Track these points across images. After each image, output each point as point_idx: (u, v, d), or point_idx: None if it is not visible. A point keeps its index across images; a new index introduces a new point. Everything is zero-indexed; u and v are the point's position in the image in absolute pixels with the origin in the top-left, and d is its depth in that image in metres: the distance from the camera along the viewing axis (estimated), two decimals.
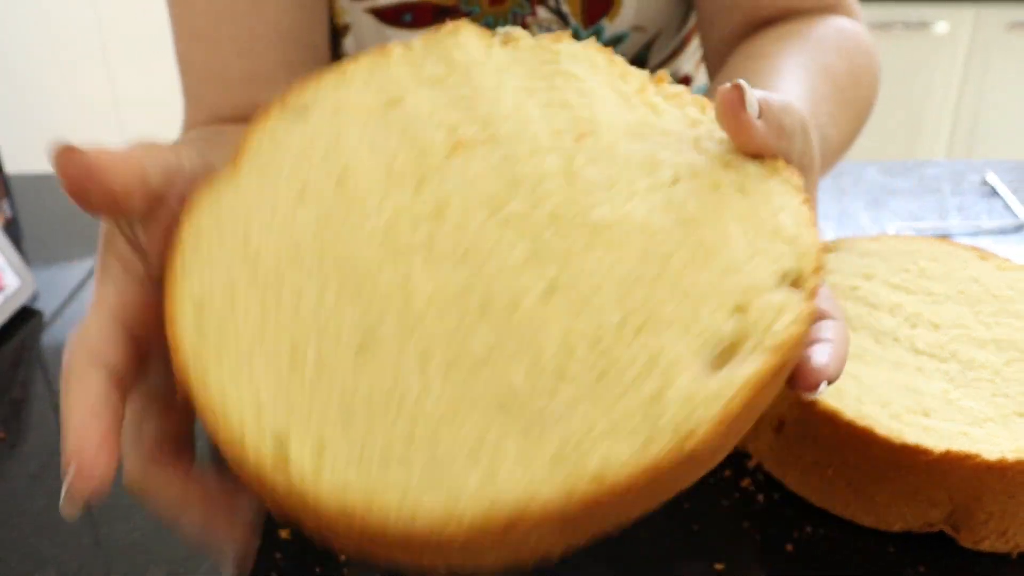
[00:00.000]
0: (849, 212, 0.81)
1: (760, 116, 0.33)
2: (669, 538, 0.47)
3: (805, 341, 0.31)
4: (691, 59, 0.82)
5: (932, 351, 0.52)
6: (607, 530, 0.30)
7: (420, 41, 0.39)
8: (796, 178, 0.34)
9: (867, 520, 0.48)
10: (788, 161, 0.35)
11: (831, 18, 0.59)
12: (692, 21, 0.75)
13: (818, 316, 0.32)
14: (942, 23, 2.01)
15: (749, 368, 0.29)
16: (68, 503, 0.29)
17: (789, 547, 0.47)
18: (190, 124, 0.62)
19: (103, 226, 0.35)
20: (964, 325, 0.54)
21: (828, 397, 0.48)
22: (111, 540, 0.49)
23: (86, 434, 0.29)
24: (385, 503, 0.28)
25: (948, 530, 0.47)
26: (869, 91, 0.58)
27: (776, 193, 0.33)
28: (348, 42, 0.69)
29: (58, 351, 0.66)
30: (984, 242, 0.76)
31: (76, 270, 0.76)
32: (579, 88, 0.37)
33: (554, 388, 0.29)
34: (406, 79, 0.37)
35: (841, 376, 0.49)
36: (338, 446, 0.29)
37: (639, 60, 0.72)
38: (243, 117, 0.59)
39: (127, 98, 1.57)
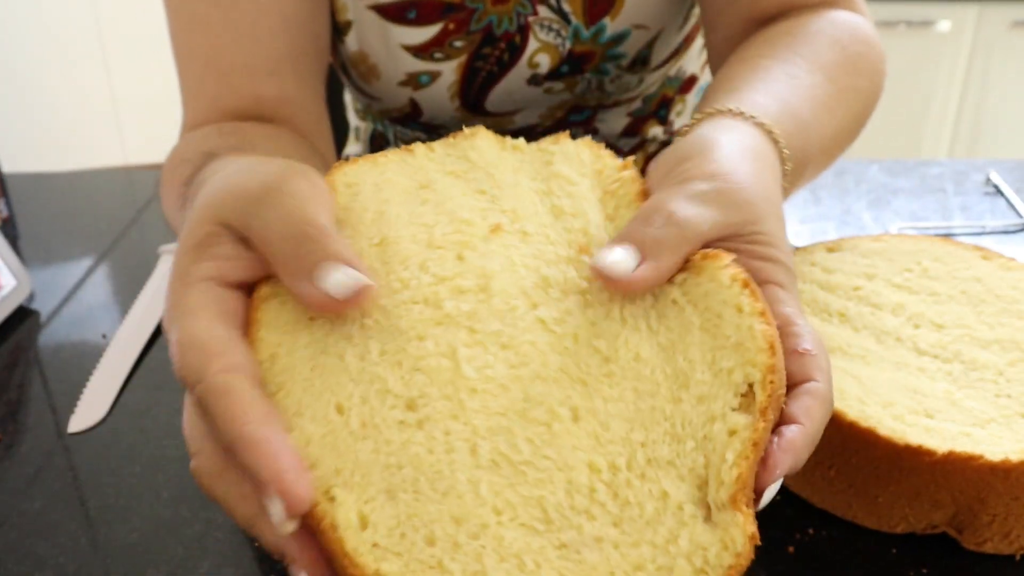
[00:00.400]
0: (852, 211, 0.81)
1: (641, 254, 0.35)
2: None
3: (756, 465, 0.32)
4: (696, 59, 0.81)
5: (935, 351, 0.51)
6: None
7: (440, 143, 0.42)
8: (723, 260, 0.35)
9: (869, 521, 0.48)
10: (706, 243, 0.36)
11: (829, 12, 0.59)
12: (694, 20, 0.75)
13: (777, 420, 0.33)
14: (945, 22, 2.01)
15: (736, 528, 0.31)
16: (285, 526, 0.30)
17: (791, 549, 0.47)
18: (194, 121, 0.60)
19: (198, 231, 0.36)
20: (967, 325, 0.53)
21: (847, 408, 0.47)
22: (109, 542, 0.48)
23: (278, 452, 0.30)
24: None
25: (951, 532, 0.47)
26: (870, 79, 0.58)
27: (712, 294, 0.35)
28: (350, 39, 0.68)
29: (55, 352, 0.66)
30: (987, 242, 0.75)
31: (73, 270, 0.76)
32: (571, 193, 0.39)
33: (583, 519, 0.32)
34: (432, 170, 0.40)
35: (843, 376, 0.49)
36: (382, 518, 0.31)
37: (641, 59, 0.71)
38: (248, 110, 0.59)
39: (125, 97, 1.57)
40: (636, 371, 0.34)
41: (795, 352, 0.35)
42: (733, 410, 0.33)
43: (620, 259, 0.35)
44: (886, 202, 0.82)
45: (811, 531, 0.48)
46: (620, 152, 0.80)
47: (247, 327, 0.35)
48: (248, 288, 0.36)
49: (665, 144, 0.82)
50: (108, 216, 0.85)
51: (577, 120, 0.78)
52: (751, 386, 0.33)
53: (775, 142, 0.44)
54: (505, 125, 0.76)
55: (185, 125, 0.61)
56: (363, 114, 0.89)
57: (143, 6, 1.64)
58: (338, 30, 0.68)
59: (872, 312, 0.54)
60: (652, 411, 0.33)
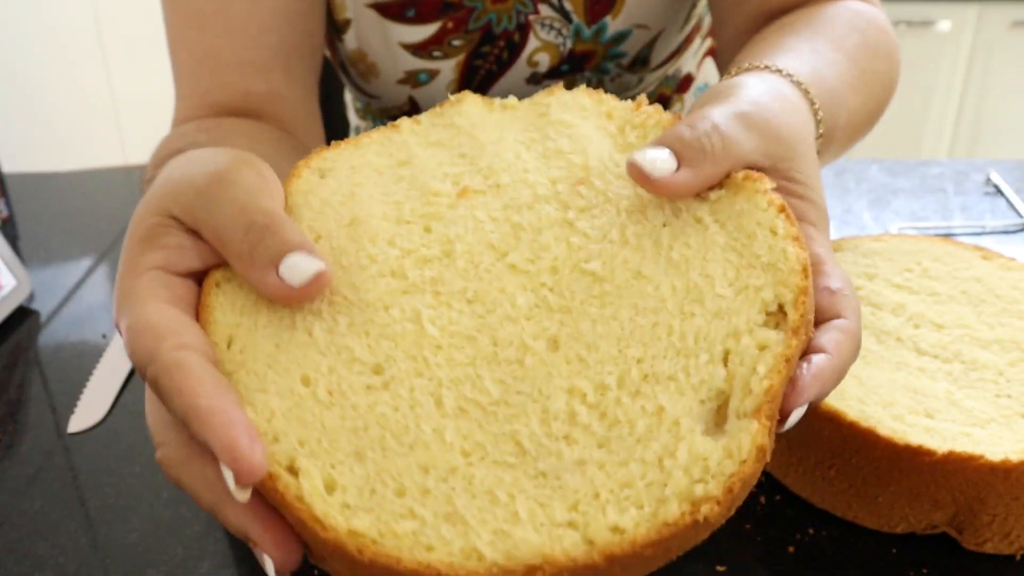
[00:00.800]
0: (852, 211, 0.81)
1: (679, 160, 0.35)
2: None
3: (786, 384, 0.32)
4: (692, 59, 0.81)
5: (935, 352, 0.51)
6: None
7: (426, 114, 0.42)
8: (764, 183, 0.35)
9: (869, 521, 0.48)
10: (743, 166, 0.36)
11: (844, 1, 0.59)
12: (694, 20, 0.75)
13: (806, 346, 0.33)
14: (945, 22, 2.01)
15: (746, 435, 0.30)
16: (240, 493, 0.30)
17: (791, 549, 0.47)
18: (184, 115, 0.60)
19: (144, 223, 0.35)
20: (967, 325, 0.53)
21: (830, 398, 0.47)
22: (109, 542, 0.48)
23: (231, 422, 0.29)
24: (399, 538, 0.29)
25: (951, 532, 0.47)
26: (888, 65, 0.57)
27: (747, 214, 0.34)
28: (349, 37, 0.68)
29: (55, 351, 0.65)
30: (987, 242, 0.75)
31: (73, 270, 0.76)
32: (570, 134, 0.39)
33: (562, 445, 0.31)
34: (414, 144, 0.41)
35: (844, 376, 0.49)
36: (350, 479, 0.30)
37: (642, 59, 0.71)
38: (237, 106, 0.59)
39: (125, 97, 1.57)
40: (636, 288, 0.34)
41: (826, 289, 0.35)
42: (760, 327, 0.32)
43: (660, 157, 0.34)
44: (886, 202, 0.82)
45: (811, 531, 0.48)
46: None
47: (199, 313, 0.35)
48: (198, 277, 0.36)
49: None
50: (108, 216, 0.85)
51: None
52: (780, 307, 0.32)
53: (810, 101, 0.44)
54: None
55: (175, 119, 0.61)
56: (363, 113, 0.89)
57: (143, 6, 1.64)
58: (337, 28, 0.68)
59: (872, 312, 0.54)
60: (654, 327, 0.33)
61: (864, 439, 0.46)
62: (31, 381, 0.63)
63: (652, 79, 0.76)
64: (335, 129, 0.80)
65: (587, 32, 0.68)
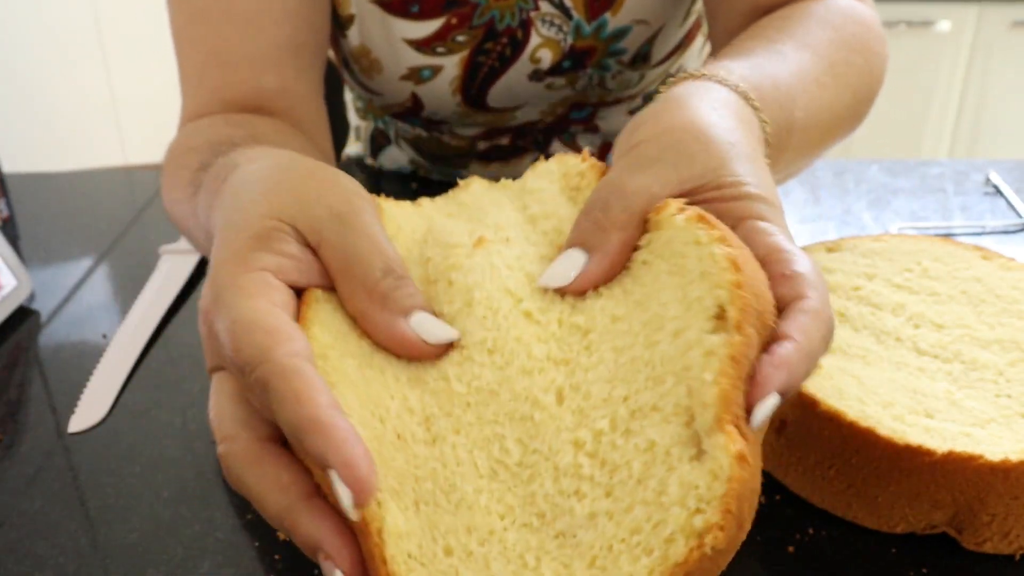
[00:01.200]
0: (852, 211, 0.81)
1: (588, 251, 0.36)
2: None
3: (742, 382, 0.31)
4: (697, 58, 0.81)
5: (935, 352, 0.51)
6: None
7: (440, 197, 0.45)
8: (671, 208, 0.36)
9: (869, 521, 0.48)
10: (660, 197, 0.37)
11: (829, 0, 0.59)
12: (695, 16, 0.75)
13: (766, 339, 0.33)
14: (945, 22, 2.01)
15: (720, 450, 0.30)
16: (355, 512, 0.30)
17: (791, 549, 0.47)
18: (194, 112, 0.60)
19: (258, 222, 0.35)
20: (967, 325, 0.53)
21: (830, 398, 0.47)
22: (109, 542, 0.48)
23: (353, 440, 0.29)
24: None
25: (951, 532, 0.47)
26: (864, 56, 0.57)
27: (674, 238, 0.35)
28: (352, 33, 0.68)
29: (55, 351, 0.65)
30: (987, 242, 0.75)
31: (73, 270, 0.76)
32: (542, 200, 0.42)
33: (573, 501, 0.32)
34: (433, 216, 0.43)
35: (843, 376, 0.49)
36: (414, 527, 0.32)
37: (642, 55, 0.71)
38: (250, 102, 0.59)
39: (125, 97, 1.57)
40: (613, 331, 0.35)
41: (782, 276, 0.34)
42: (708, 334, 0.32)
43: (561, 269, 0.36)
44: (886, 202, 0.82)
45: (811, 531, 0.48)
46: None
47: (299, 323, 0.35)
48: (298, 292, 0.36)
49: None
50: (108, 216, 0.85)
51: (578, 117, 0.79)
52: (721, 308, 0.32)
53: (746, 99, 0.44)
54: (507, 121, 0.76)
55: (184, 116, 0.61)
56: (363, 113, 0.89)
57: (143, 6, 1.64)
58: (340, 24, 0.68)
59: (872, 312, 0.54)
60: (632, 362, 0.34)
61: (864, 439, 0.46)
62: (31, 381, 0.63)
63: (654, 76, 0.76)
64: (335, 129, 0.80)
65: (587, 28, 0.68)
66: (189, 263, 0.74)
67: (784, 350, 0.32)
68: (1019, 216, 0.79)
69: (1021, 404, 0.48)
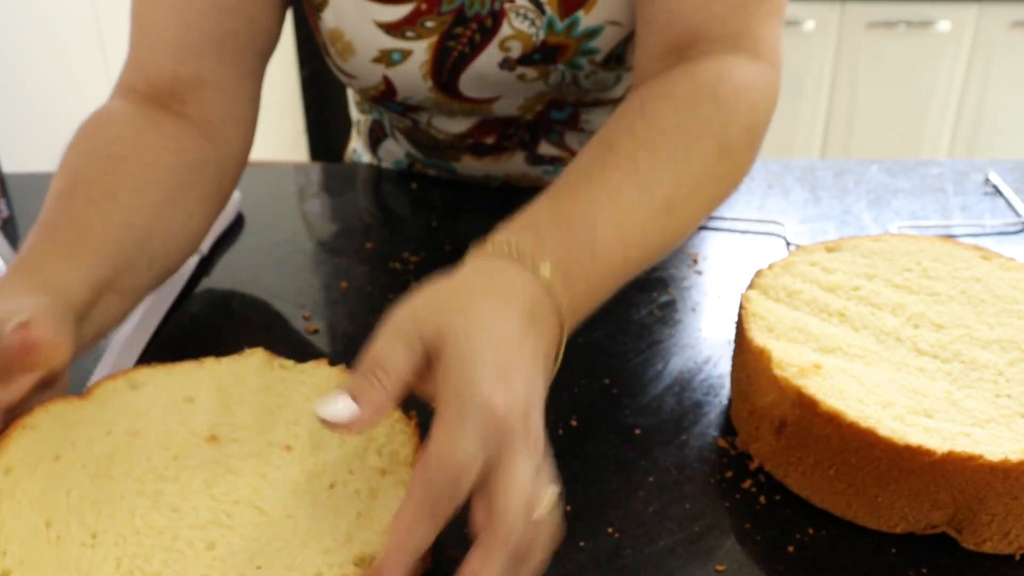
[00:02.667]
0: (852, 211, 0.81)
1: (356, 398, 0.40)
2: (670, 540, 0.47)
3: None
4: None
5: (935, 352, 0.52)
6: None
7: (228, 359, 0.52)
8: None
9: (869, 521, 0.48)
10: (410, 371, 0.41)
11: (712, 63, 0.57)
12: None
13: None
14: (945, 22, 2.01)
15: None
16: None
17: (791, 548, 0.47)
18: (124, 83, 0.65)
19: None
20: (967, 325, 0.53)
21: (830, 398, 0.47)
22: None
23: None
24: None
25: (951, 531, 0.47)
26: (730, 161, 0.55)
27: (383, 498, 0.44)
28: (327, 16, 0.70)
29: None
30: (987, 242, 0.75)
31: None
32: (292, 404, 0.49)
33: None
34: (204, 384, 0.50)
35: (843, 376, 0.49)
36: None
37: (616, 56, 0.71)
38: (165, 87, 0.63)
39: None
40: (266, 521, 0.44)
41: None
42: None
43: (338, 408, 0.40)
44: (886, 202, 0.82)
45: (811, 531, 0.48)
46: None
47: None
48: None
49: None
50: None
51: (560, 117, 0.79)
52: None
53: (548, 291, 0.45)
54: (485, 113, 0.77)
55: (118, 84, 0.65)
56: (361, 107, 0.90)
57: None
58: (316, 6, 0.70)
59: (872, 312, 0.54)
60: (267, 548, 0.43)
61: (864, 439, 0.46)
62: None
63: (630, 79, 0.76)
64: (337, 124, 0.80)
65: (560, 25, 0.68)
66: (188, 264, 0.74)
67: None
68: (1019, 216, 0.79)
69: (1020, 404, 0.48)
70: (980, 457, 0.44)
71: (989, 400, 0.48)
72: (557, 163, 0.83)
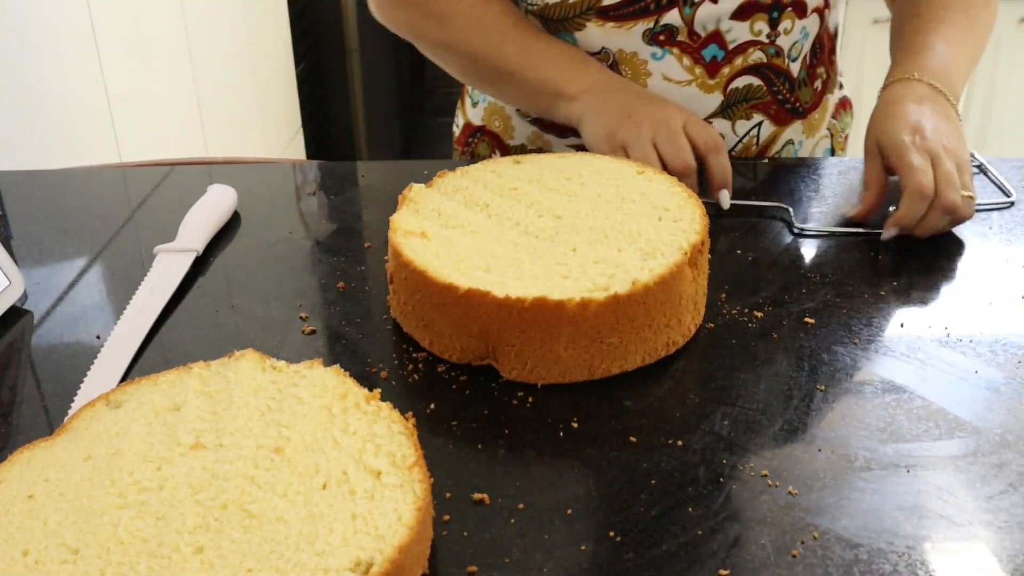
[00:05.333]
0: (851, 203, 0.80)
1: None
2: (673, 544, 0.46)
3: None
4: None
5: (537, 233, 0.62)
6: None
7: (216, 363, 0.53)
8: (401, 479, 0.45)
9: (437, 348, 0.59)
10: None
11: None
12: None
13: None
14: None
15: None
16: None
17: (795, 553, 0.46)
18: None
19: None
20: (579, 218, 0.63)
21: (415, 253, 0.59)
22: None
23: None
24: None
25: (492, 362, 0.57)
26: (987, 15, 0.88)
27: (376, 489, 0.44)
28: None
29: (48, 352, 0.65)
30: (976, 221, 0.77)
31: (67, 270, 0.75)
32: (294, 409, 0.49)
33: None
34: (191, 392, 0.51)
35: (441, 243, 0.61)
36: None
37: None
38: None
39: (119, 95, 1.56)
40: (274, 525, 0.43)
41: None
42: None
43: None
44: (890, 199, 0.81)
45: (815, 535, 0.47)
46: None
47: None
48: None
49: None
50: (102, 215, 0.84)
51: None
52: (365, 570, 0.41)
53: (943, 94, 0.79)
54: None
55: None
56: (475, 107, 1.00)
57: (138, 3, 1.63)
58: None
59: (512, 205, 0.65)
60: (272, 554, 0.42)
61: (421, 279, 0.57)
62: (24, 382, 0.61)
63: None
64: (334, 121, 0.78)
65: None
66: (183, 263, 0.73)
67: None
68: (1006, 196, 0.81)
69: (568, 269, 0.57)
70: (489, 293, 0.54)
71: (548, 266, 0.57)
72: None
